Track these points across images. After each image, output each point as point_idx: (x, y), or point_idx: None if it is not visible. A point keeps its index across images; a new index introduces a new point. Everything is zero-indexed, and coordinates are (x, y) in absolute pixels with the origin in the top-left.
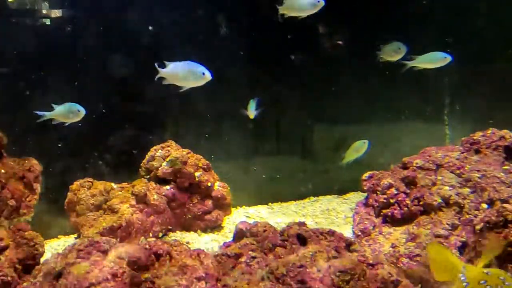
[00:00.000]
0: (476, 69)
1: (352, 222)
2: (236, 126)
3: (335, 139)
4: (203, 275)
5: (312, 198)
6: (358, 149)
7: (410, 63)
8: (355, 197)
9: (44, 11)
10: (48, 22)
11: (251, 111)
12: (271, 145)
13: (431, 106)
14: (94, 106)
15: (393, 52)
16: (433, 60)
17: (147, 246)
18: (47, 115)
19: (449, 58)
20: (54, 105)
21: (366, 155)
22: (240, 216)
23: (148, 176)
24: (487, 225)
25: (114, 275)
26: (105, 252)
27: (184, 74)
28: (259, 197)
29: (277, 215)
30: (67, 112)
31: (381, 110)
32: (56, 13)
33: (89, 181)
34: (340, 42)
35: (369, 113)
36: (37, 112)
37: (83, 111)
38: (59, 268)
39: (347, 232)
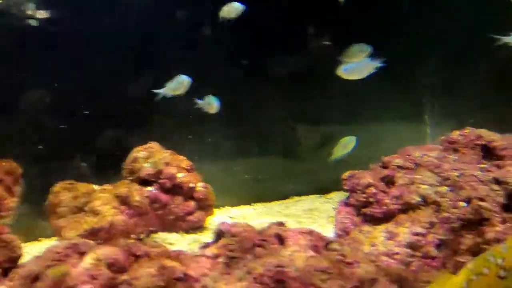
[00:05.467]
0: (456, 70)
1: (334, 221)
2: (219, 127)
3: (318, 139)
4: (182, 276)
5: (295, 198)
6: (346, 145)
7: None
8: (338, 197)
9: (21, 9)
10: (29, 22)
11: (210, 106)
12: (254, 145)
13: (413, 106)
14: (75, 107)
15: (358, 52)
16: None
17: (125, 247)
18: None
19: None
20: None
21: (348, 155)
22: (223, 216)
23: (130, 178)
24: (463, 223)
25: (92, 277)
26: (83, 254)
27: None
28: (242, 197)
29: (260, 216)
30: (177, 85)
31: (364, 110)
32: (34, 11)
33: (70, 183)
34: (328, 43)
35: (352, 113)
36: (154, 91)
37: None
38: (37, 271)
39: (329, 231)
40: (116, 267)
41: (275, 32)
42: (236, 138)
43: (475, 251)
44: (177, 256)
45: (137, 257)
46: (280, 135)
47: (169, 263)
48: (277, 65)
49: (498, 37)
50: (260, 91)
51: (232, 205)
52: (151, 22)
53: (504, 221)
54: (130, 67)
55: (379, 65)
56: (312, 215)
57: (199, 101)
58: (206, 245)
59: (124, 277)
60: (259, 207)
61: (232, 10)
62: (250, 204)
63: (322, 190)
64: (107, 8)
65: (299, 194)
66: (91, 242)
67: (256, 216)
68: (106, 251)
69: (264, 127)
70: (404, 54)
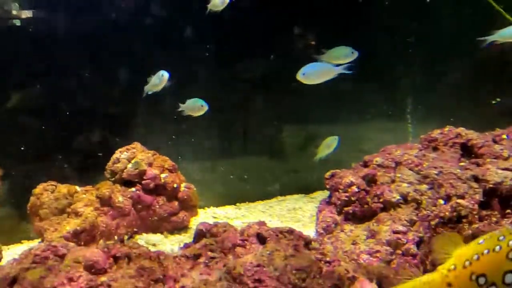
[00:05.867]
0: (437, 69)
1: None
2: (203, 127)
3: (302, 139)
4: (161, 276)
5: (280, 198)
6: (330, 145)
7: (490, 38)
8: (322, 196)
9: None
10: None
11: (198, 108)
12: (239, 145)
13: (395, 105)
14: (57, 108)
15: (342, 56)
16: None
17: (105, 249)
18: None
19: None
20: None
21: (332, 155)
22: (208, 216)
23: (113, 179)
24: (442, 220)
25: (70, 279)
26: (62, 257)
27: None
28: (226, 197)
29: (244, 215)
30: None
31: (348, 110)
32: (12, 14)
33: (52, 185)
34: (313, 43)
35: (335, 113)
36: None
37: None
38: (14, 274)
39: (312, 230)
40: (95, 269)
41: (258, 32)
42: (221, 139)
43: None
44: (157, 257)
45: (116, 259)
46: (265, 135)
47: (148, 264)
48: (262, 65)
49: (484, 38)
50: (245, 91)
51: (217, 205)
52: (134, 23)
53: (481, 219)
54: (111, 68)
55: (341, 71)
56: (296, 215)
57: (183, 105)
58: (186, 246)
59: (103, 278)
60: (243, 207)
61: (219, 3)
62: (234, 204)
63: (306, 189)
64: (88, 8)
65: (284, 193)
66: (71, 244)
67: (240, 216)
68: (85, 253)
69: (248, 127)
70: (386, 54)
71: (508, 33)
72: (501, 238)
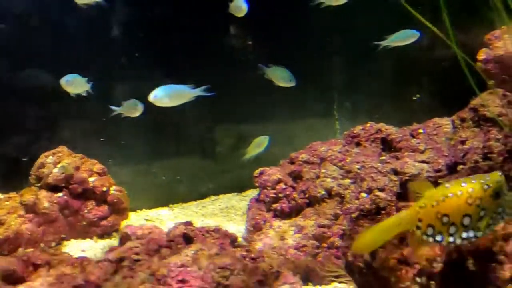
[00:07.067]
0: (362, 67)
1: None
2: (133, 128)
3: (235, 139)
4: (82, 283)
5: (213, 197)
6: (260, 144)
7: (384, 43)
8: (254, 194)
9: None
10: None
11: (134, 109)
12: (171, 146)
13: (323, 103)
14: None
15: (281, 79)
16: (404, 37)
17: (24, 257)
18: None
19: (418, 34)
20: None
21: (264, 153)
22: (140, 219)
23: (38, 184)
24: (362, 213)
25: None
26: None
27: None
28: (159, 199)
29: (177, 217)
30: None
31: (279, 109)
32: None
33: None
34: (250, 43)
35: (266, 112)
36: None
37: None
38: None
39: (243, 228)
40: (12, 279)
41: (192, 33)
42: (152, 140)
43: None
44: (80, 263)
45: (36, 267)
46: (197, 135)
47: (70, 270)
48: (193, 65)
49: (377, 43)
50: None
51: (149, 208)
52: (58, 22)
53: (399, 210)
54: (34, 68)
55: (199, 93)
56: (229, 213)
57: (118, 108)
58: (111, 249)
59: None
60: (176, 208)
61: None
62: (167, 205)
63: (239, 188)
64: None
65: (217, 193)
66: None
67: (173, 217)
68: (2, 262)
69: (180, 127)
70: (313, 54)
71: (396, 38)
72: (463, 184)
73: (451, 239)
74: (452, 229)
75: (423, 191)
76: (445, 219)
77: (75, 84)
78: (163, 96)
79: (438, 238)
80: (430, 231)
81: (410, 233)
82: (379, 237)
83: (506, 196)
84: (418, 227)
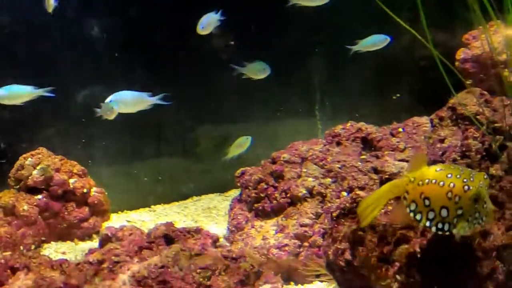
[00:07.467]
0: (343, 67)
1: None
2: (114, 129)
3: (216, 138)
4: (61, 286)
5: (195, 198)
6: (241, 144)
7: (355, 48)
8: (236, 194)
9: None
10: None
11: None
12: (152, 147)
13: (305, 103)
14: None
15: (258, 72)
16: (375, 42)
17: (2, 261)
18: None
19: (388, 39)
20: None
21: (247, 154)
22: (121, 220)
23: (17, 186)
24: (343, 211)
25: None
26: None
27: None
28: (141, 200)
29: (159, 217)
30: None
31: (261, 109)
32: None
33: None
34: (232, 43)
35: (248, 112)
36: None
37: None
38: None
39: (225, 228)
40: None
41: (172, 31)
42: (133, 141)
43: (350, 238)
44: (60, 265)
45: (15, 270)
46: (179, 135)
47: (49, 273)
48: (175, 65)
49: (349, 47)
50: (157, 92)
51: (131, 209)
52: (36, 24)
53: None
54: (12, 68)
55: (156, 102)
56: (211, 214)
57: (98, 109)
58: (91, 251)
59: None
60: (158, 209)
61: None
62: (149, 206)
63: (221, 188)
64: None
65: (199, 193)
66: None
67: (155, 218)
68: None
69: (161, 128)
70: (294, 54)
71: (367, 43)
72: (448, 175)
73: (428, 223)
74: (430, 215)
75: (419, 166)
76: (426, 202)
77: (10, 97)
78: (121, 102)
79: (418, 217)
80: (413, 206)
81: (396, 201)
82: (376, 203)
83: (486, 205)
84: (404, 198)
